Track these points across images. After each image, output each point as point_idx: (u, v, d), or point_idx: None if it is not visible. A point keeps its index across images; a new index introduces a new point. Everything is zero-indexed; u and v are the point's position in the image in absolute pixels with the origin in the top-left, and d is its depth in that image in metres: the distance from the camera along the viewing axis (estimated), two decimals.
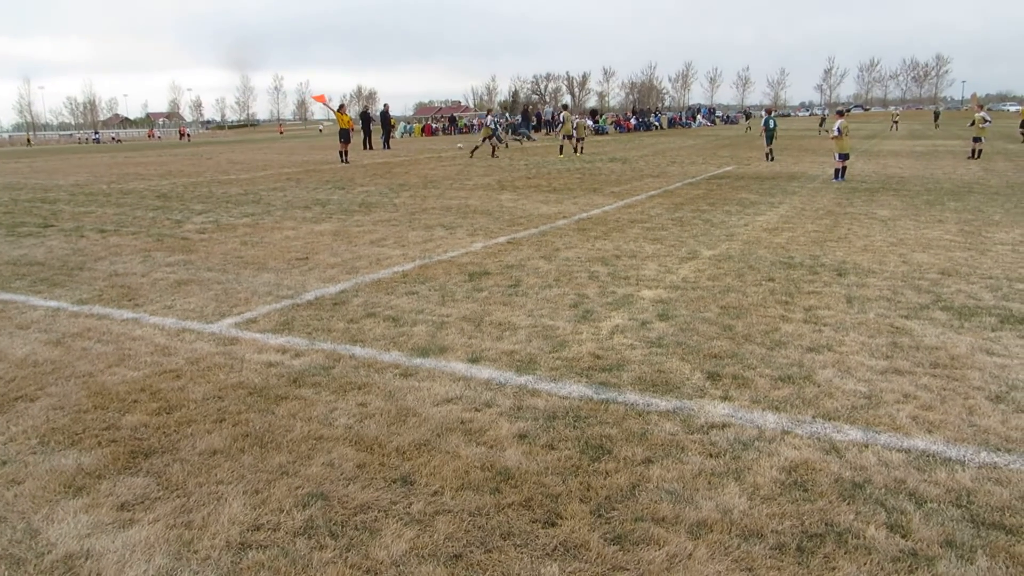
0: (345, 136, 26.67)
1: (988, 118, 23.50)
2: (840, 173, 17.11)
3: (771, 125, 23.94)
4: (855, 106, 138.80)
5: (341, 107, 28.49)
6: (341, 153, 26.58)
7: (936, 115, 59.69)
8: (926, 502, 3.30)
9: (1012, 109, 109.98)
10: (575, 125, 29.38)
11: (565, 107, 34.19)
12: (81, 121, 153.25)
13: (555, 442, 3.92)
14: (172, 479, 3.57)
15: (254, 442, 3.95)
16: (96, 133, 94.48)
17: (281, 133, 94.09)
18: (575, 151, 28.53)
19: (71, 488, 3.50)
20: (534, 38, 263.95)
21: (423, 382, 4.79)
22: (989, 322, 5.91)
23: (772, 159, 23.83)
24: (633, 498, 3.36)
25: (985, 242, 9.30)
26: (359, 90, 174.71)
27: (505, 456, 3.77)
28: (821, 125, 51.22)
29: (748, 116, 64.81)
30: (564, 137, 28.99)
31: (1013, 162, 22.14)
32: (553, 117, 59.74)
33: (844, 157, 17.18)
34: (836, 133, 17.04)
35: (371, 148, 35.46)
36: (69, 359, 5.32)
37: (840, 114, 18.19)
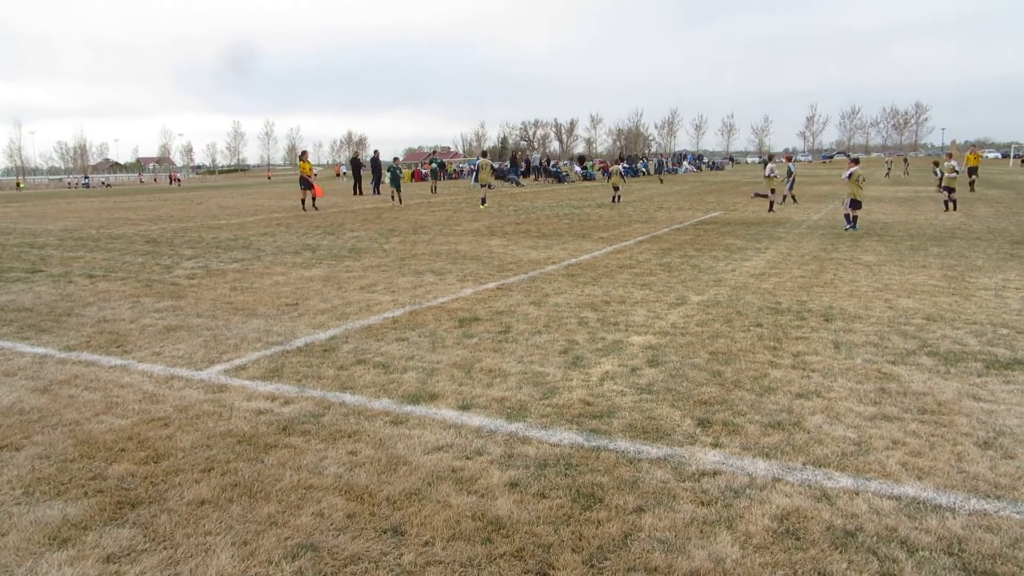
0: (305, 183, 25.51)
1: (958, 168, 22.50)
2: (852, 221, 16.44)
3: (792, 171, 25.97)
4: (838, 152, 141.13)
5: (303, 154, 27.34)
6: (302, 201, 25.75)
7: (905, 160, 60.47)
8: (918, 550, 3.30)
9: (991, 155, 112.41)
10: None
11: (484, 153, 30.42)
12: (71, 166, 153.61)
13: (546, 490, 3.91)
14: (159, 530, 3.53)
15: (243, 492, 3.92)
16: (86, 178, 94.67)
17: (269, 178, 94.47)
18: (482, 201, 25.58)
19: (56, 540, 3.45)
20: (523, 85, 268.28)
21: (413, 430, 4.77)
22: (975, 367, 5.97)
23: (796, 201, 25.34)
24: (625, 547, 3.35)
25: (969, 287, 9.42)
26: (349, 135, 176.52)
27: (496, 505, 3.75)
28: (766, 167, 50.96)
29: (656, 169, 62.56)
30: (482, 186, 26.09)
31: (993, 207, 22.51)
32: (525, 160, 60.07)
33: (856, 205, 16.45)
34: (845, 178, 16.63)
35: (361, 193, 35.70)
36: (56, 407, 5.27)
37: (855, 161, 17.26)
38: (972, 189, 30.67)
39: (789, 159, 28.04)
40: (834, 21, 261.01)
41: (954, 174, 22.18)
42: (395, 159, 32.25)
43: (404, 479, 4.06)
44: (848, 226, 16.45)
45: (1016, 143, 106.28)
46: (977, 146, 36.40)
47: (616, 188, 27.72)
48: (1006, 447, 4.41)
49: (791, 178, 25.87)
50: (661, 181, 49.07)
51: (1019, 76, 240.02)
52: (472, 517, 3.63)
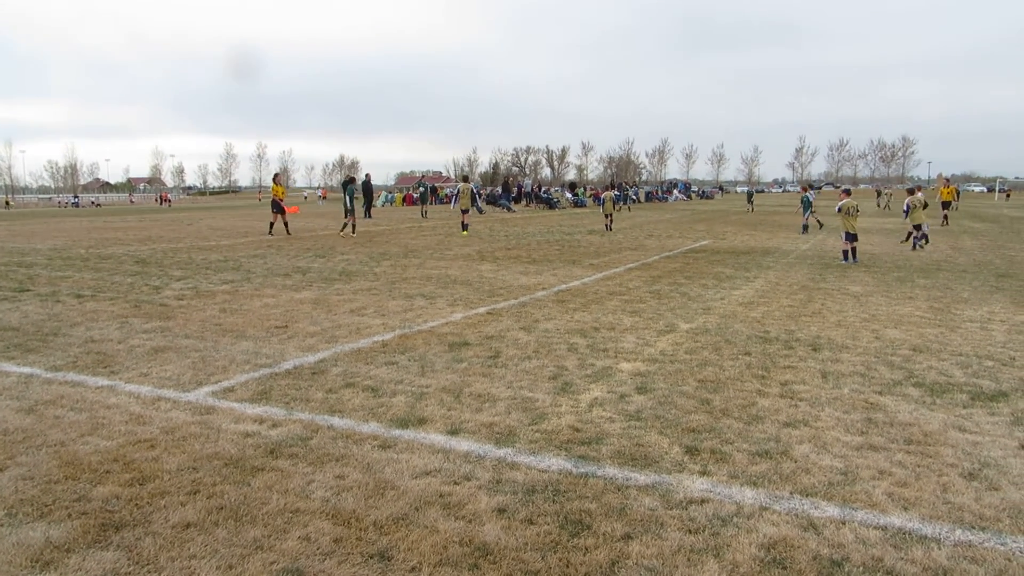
0: (276, 207, 24.35)
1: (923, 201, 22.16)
2: (849, 255, 16.21)
3: (809, 199, 27.71)
4: (826, 184, 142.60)
5: (275, 176, 25.82)
6: (271, 224, 24.73)
7: (878, 193, 60.55)
8: None
9: (976, 189, 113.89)
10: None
11: (465, 178, 29.03)
12: (61, 185, 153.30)
13: (534, 517, 3.90)
14: (143, 553, 3.50)
15: (229, 515, 3.89)
16: (75, 197, 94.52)
17: (260, 200, 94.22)
18: (467, 228, 25.02)
19: (38, 562, 3.41)
20: (516, 112, 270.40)
21: (402, 454, 4.76)
22: (960, 399, 6.01)
23: (821, 226, 27.14)
24: (612, 575, 3.34)
25: (954, 319, 9.51)
26: (342, 159, 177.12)
27: (484, 531, 3.74)
28: (750, 201, 49.25)
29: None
30: (463, 211, 25.17)
31: (979, 240, 22.78)
32: (516, 186, 60.16)
33: (851, 238, 16.24)
34: (837, 212, 16.55)
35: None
36: (41, 427, 5.23)
37: (847, 192, 17.16)
38: (944, 223, 29.98)
39: (805, 190, 29.05)
40: (823, 56, 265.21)
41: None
42: (349, 179, 26.54)
43: (392, 504, 4.04)
44: (842, 260, 16.29)
45: (1001, 177, 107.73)
46: (951, 180, 34.61)
47: (608, 215, 27.78)
48: (991, 479, 4.44)
49: (809, 206, 27.55)
50: (618, 209, 47.09)
51: (1003, 112, 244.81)
52: (460, 543, 3.62)
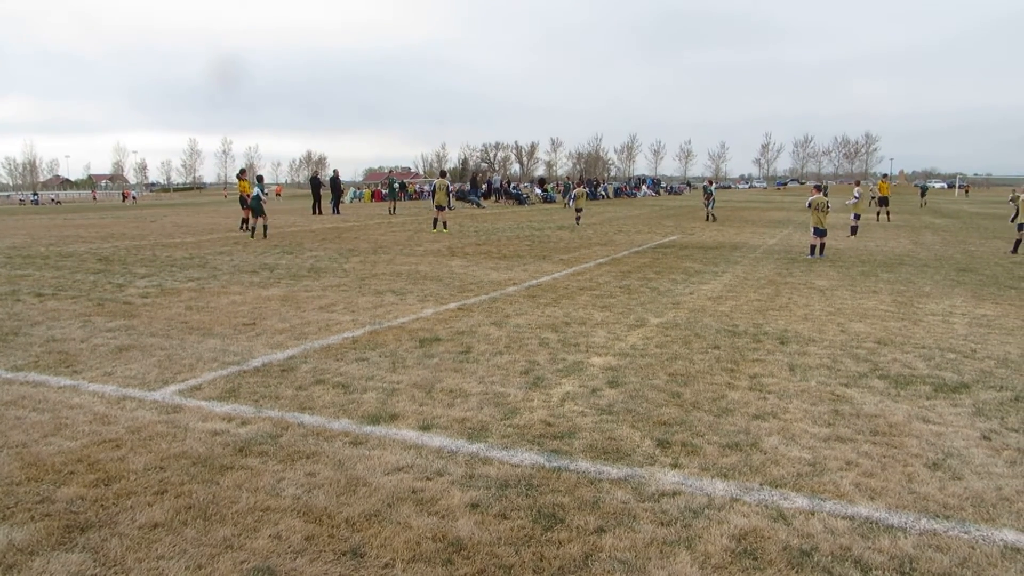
0: (245, 203, 23.73)
1: (856, 195, 22.89)
2: (816, 249, 16.49)
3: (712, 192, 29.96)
4: (791, 180, 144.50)
5: (241, 172, 25.20)
6: (243, 220, 24.06)
7: (824, 188, 60.92)
8: (871, 569, 3.37)
9: (937, 186, 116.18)
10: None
11: (443, 173, 28.08)
12: (20, 182, 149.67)
13: (507, 511, 3.90)
14: (110, 555, 3.43)
15: (197, 514, 3.83)
16: (35, 195, 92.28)
17: (225, 197, 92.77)
18: (438, 224, 24.33)
19: (1, 566, 3.33)
20: (485, 108, 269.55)
21: (373, 450, 4.73)
22: (924, 390, 6.14)
23: (715, 219, 28.81)
24: (586, 568, 3.36)
25: (917, 312, 9.70)
26: (309, 155, 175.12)
27: (457, 526, 3.73)
28: (705, 194, 48.67)
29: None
30: (438, 208, 24.65)
31: (940, 236, 23.26)
32: (486, 182, 59.98)
33: (820, 233, 16.49)
34: (806, 206, 16.83)
35: (320, 213, 35.45)
36: (1, 428, 5.10)
37: (818, 188, 17.63)
38: (881, 219, 30.02)
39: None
40: (788, 52, 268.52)
41: (852, 200, 22.78)
42: (258, 176, 23.25)
43: (364, 500, 4.01)
44: (808, 254, 16.55)
45: (960, 174, 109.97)
46: (888, 176, 34.00)
47: (579, 210, 28.00)
48: (954, 468, 4.54)
49: (711, 199, 30.70)
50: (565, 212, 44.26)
51: (964, 110, 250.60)
52: (433, 538, 3.60)
